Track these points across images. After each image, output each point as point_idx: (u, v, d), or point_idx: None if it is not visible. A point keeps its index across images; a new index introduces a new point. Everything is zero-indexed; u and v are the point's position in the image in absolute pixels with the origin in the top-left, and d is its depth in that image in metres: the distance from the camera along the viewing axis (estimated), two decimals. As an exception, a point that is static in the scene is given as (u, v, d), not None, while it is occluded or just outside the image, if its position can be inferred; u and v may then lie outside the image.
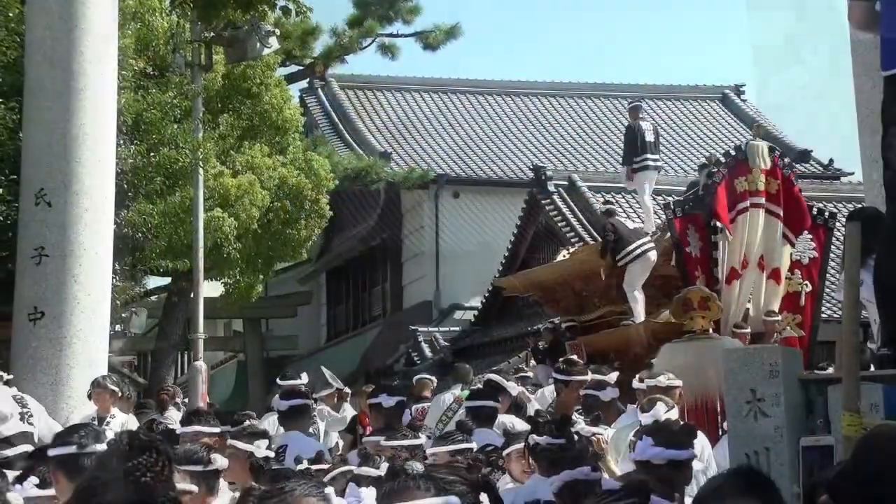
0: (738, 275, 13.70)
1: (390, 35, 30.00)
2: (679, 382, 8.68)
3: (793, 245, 14.03)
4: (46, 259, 9.17)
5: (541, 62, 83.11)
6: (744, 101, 37.24)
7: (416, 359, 26.78)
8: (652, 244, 14.52)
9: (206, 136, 15.71)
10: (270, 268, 22.91)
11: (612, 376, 10.95)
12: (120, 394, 9.36)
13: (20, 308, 9.25)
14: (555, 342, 15.73)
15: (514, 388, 10.49)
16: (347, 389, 12.23)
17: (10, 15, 10.82)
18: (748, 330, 13.07)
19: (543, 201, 25.47)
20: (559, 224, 24.71)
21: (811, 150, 34.05)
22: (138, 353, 33.33)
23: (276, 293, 33.35)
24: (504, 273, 24.73)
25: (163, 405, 12.60)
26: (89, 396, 9.13)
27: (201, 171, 14.51)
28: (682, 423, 6.36)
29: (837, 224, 14.72)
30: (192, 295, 16.05)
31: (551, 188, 25.50)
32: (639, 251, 14.49)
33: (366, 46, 29.85)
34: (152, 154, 11.44)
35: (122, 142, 10.81)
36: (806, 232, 14.21)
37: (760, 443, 5.12)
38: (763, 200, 13.70)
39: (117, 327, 24.69)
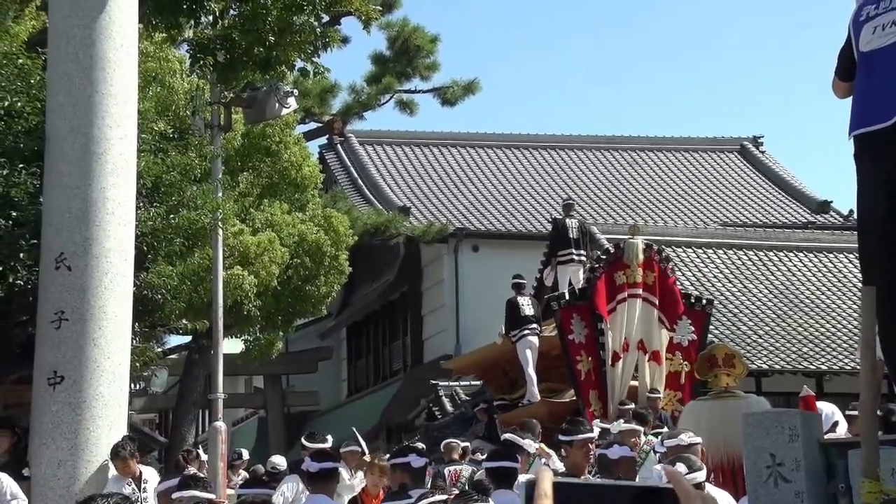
0: (620, 357, 15.64)
1: (408, 91, 30.21)
2: (699, 440, 8.62)
3: (669, 330, 16.02)
4: (66, 323, 9.18)
5: (559, 115, 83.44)
6: (762, 152, 37.20)
7: (437, 413, 26.63)
8: (533, 330, 16.70)
9: (225, 195, 15.79)
10: (290, 324, 22.91)
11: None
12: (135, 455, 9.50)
13: (40, 373, 9.26)
14: (489, 419, 17.17)
15: (530, 446, 10.46)
16: (368, 458, 12.13)
17: (32, 82, 10.93)
18: (632, 406, 14.47)
19: (563, 254, 25.43)
20: (579, 277, 24.64)
21: (831, 201, 33.95)
22: (159, 410, 33.37)
23: (296, 349, 33.33)
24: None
25: (180, 467, 12.58)
26: (117, 468, 9.20)
27: (221, 231, 14.57)
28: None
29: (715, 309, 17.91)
30: (212, 353, 16.05)
31: (570, 241, 25.44)
32: (519, 334, 16.60)
33: (384, 103, 30.06)
34: (172, 216, 11.49)
35: (141, 204, 10.87)
36: (685, 317, 16.27)
37: (781, 509, 5.07)
38: (641, 291, 15.84)
39: (139, 384, 24.75)
